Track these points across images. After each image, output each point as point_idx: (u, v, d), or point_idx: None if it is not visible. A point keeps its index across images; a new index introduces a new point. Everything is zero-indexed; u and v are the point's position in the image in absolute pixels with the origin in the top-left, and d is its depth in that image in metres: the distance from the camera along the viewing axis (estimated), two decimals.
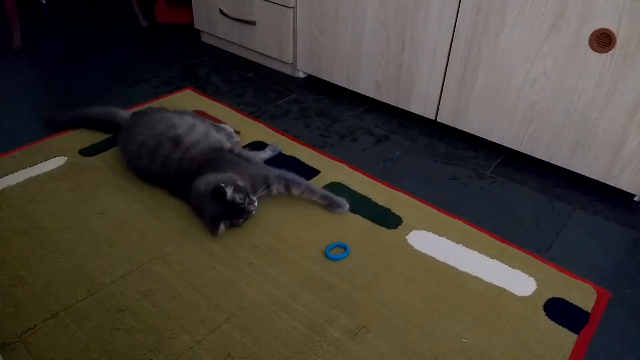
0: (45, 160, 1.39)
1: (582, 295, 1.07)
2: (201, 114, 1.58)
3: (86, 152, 1.44)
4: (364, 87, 1.74)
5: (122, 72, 1.92)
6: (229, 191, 1.13)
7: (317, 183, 1.36)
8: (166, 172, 1.26)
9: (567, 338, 0.98)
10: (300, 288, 1.06)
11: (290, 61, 1.91)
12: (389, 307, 1.03)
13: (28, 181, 1.32)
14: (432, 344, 0.96)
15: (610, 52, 1.22)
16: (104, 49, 2.10)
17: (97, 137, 1.50)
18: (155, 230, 1.19)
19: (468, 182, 1.43)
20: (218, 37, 2.10)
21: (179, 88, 1.82)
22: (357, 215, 1.26)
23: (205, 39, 2.20)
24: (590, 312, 1.04)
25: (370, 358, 0.93)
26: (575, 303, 1.05)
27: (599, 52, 1.24)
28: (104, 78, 1.87)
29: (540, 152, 1.45)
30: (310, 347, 0.94)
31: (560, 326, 1.00)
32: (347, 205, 1.26)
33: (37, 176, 1.34)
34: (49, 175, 1.34)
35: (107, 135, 1.50)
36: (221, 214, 1.15)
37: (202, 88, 1.84)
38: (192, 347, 0.93)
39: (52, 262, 1.09)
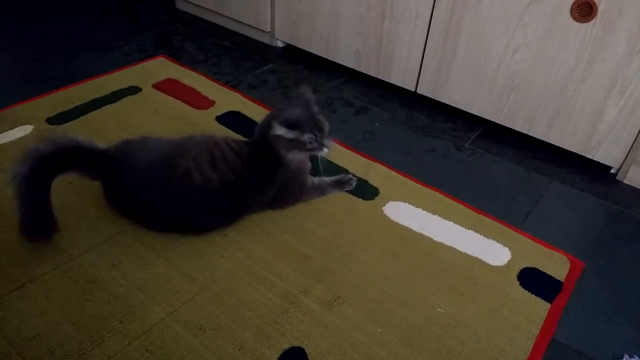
0: (11, 129, 1.34)
1: (556, 265, 1.08)
2: (174, 83, 1.54)
3: (54, 120, 1.38)
4: (344, 57, 1.70)
5: (93, 38, 1.84)
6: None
7: None
8: None
9: (540, 307, 0.99)
10: (275, 259, 1.04)
11: (268, 29, 1.85)
12: (365, 277, 1.02)
13: None
14: (408, 314, 0.95)
15: (591, 22, 1.21)
16: (75, 15, 2.00)
17: (64, 104, 1.44)
18: None
19: (447, 154, 1.42)
20: (193, 3, 2.03)
21: (151, 56, 1.75)
22: None
23: (180, 5, 2.12)
24: (563, 281, 1.04)
25: (345, 328, 0.92)
26: (548, 273, 1.06)
27: (580, 21, 1.22)
28: (75, 45, 1.79)
29: (519, 124, 1.44)
30: (285, 317, 0.93)
31: (533, 295, 1.01)
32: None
33: (2, 145, 1.28)
34: (15, 143, 1.29)
35: (75, 104, 1.45)
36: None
37: (176, 56, 1.77)
38: (163, 319, 0.91)
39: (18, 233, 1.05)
